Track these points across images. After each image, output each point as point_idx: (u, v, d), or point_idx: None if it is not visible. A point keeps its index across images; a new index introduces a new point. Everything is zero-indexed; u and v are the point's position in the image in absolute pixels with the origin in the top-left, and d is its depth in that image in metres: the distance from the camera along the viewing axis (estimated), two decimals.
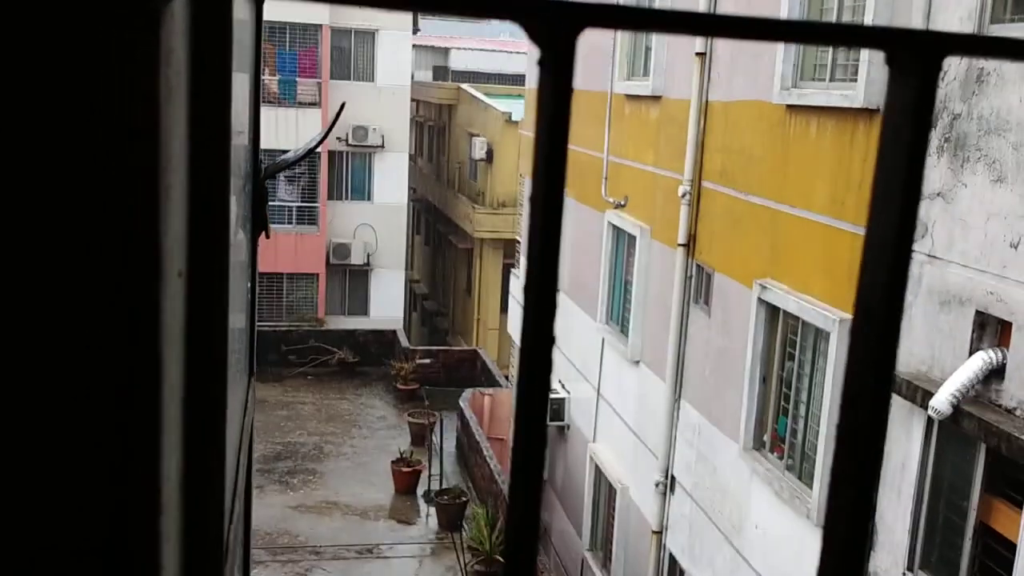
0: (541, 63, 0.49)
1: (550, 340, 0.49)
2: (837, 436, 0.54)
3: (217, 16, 0.67)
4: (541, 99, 0.49)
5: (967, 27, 6.38)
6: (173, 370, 0.56)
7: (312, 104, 25.50)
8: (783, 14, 8.51)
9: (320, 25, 25.52)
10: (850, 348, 0.53)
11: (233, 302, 1.46)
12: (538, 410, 0.48)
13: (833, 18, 8.11)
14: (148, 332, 0.49)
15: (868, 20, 7.24)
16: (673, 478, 11.05)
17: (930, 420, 6.45)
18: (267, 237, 1.76)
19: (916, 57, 0.52)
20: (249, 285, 1.68)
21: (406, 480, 17.69)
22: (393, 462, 17.94)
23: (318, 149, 24.80)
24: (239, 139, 1.55)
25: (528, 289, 0.48)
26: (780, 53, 8.63)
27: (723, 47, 9.98)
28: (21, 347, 0.51)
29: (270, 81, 25.15)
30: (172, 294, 0.53)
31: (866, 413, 0.54)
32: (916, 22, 6.79)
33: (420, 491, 17.70)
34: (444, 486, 17.40)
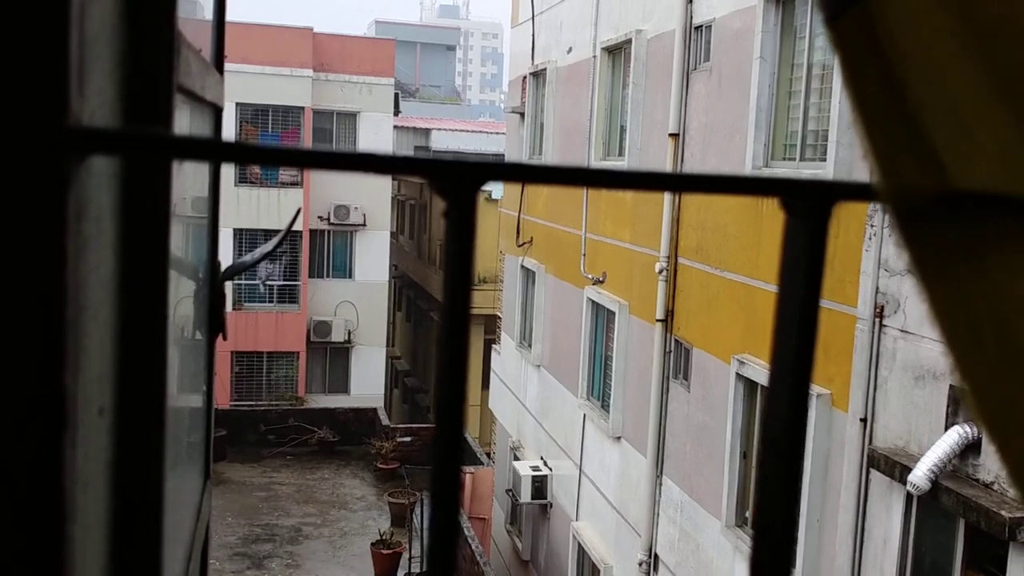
0: (445, 215, 0.52)
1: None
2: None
3: (150, 165, 0.70)
4: (447, 245, 0.52)
5: None
6: (92, 518, 0.57)
7: (293, 184, 25.68)
8: (752, 99, 8.72)
9: (303, 107, 25.85)
10: (760, 492, 0.55)
11: (188, 408, 1.46)
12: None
13: (800, 102, 8.30)
14: (50, 479, 0.49)
15: (835, 103, 7.42)
16: (656, 556, 10.90)
17: (909, 496, 6.43)
18: (224, 339, 1.77)
19: (807, 204, 0.55)
20: (206, 388, 1.68)
21: (386, 562, 17.35)
22: (373, 544, 17.61)
23: (296, 227, 24.85)
24: (197, 243, 1.57)
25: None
26: (751, 132, 8.81)
27: (697, 127, 10.17)
28: None
29: None
30: (88, 434, 0.54)
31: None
32: None
33: (401, 573, 17.35)
34: (425, 568, 17.08)
